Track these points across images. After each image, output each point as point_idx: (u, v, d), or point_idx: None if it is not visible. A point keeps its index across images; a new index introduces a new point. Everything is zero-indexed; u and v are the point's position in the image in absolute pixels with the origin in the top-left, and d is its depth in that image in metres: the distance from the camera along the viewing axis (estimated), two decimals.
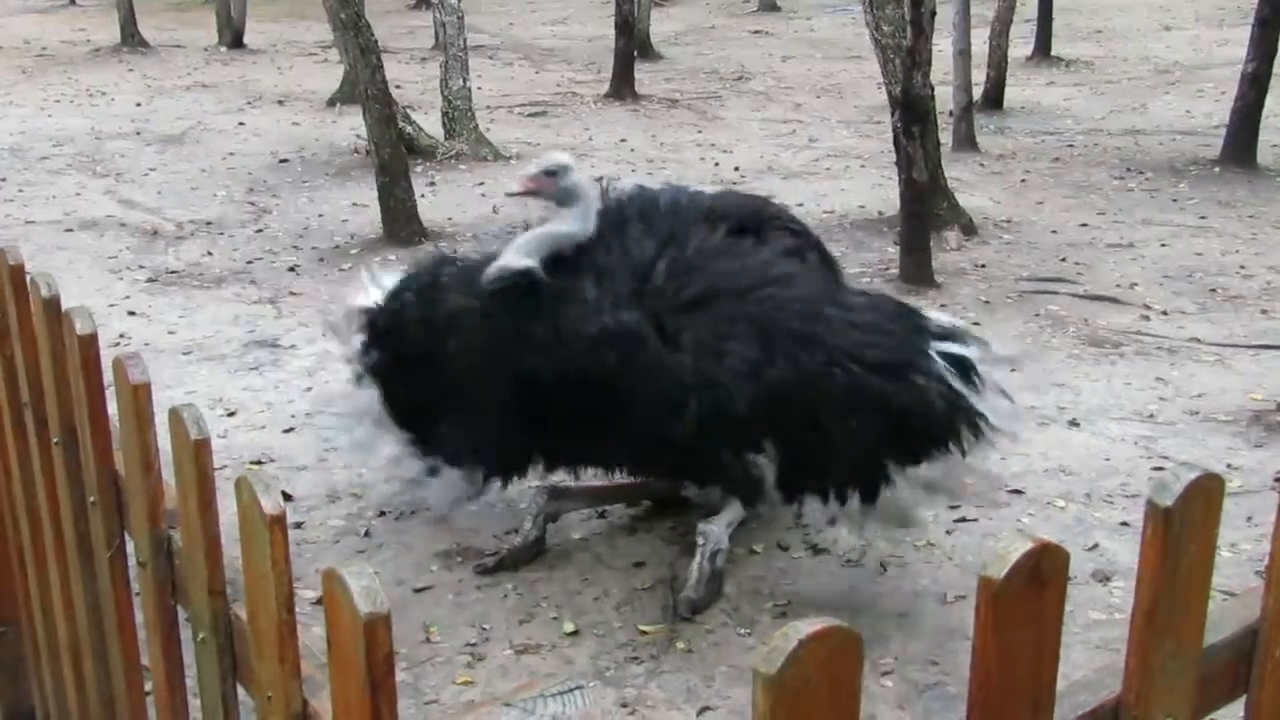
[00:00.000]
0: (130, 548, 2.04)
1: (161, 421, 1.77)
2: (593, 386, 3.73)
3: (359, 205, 9.17)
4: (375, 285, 4.28)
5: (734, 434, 3.74)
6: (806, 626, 1.00)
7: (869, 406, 3.68)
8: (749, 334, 3.71)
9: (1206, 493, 1.28)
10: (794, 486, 3.82)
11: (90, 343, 2.03)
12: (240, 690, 1.70)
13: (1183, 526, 1.26)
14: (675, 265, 3.85)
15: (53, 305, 2.18)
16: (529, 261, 3.82)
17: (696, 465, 3.98)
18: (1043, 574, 1.15)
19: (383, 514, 4.48)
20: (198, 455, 1.65)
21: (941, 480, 3.81)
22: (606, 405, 3.76)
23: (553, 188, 3.91)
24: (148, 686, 2.15)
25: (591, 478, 4.34)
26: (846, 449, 3.70)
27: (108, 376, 1.99)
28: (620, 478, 4.29)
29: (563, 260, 3.87)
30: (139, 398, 1.85)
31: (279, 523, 1.41)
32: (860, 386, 3.67)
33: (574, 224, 3.90)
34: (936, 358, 3.77)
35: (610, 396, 3.74)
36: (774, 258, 4.06)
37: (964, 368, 3.80)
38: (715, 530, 3.92)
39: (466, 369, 3.94)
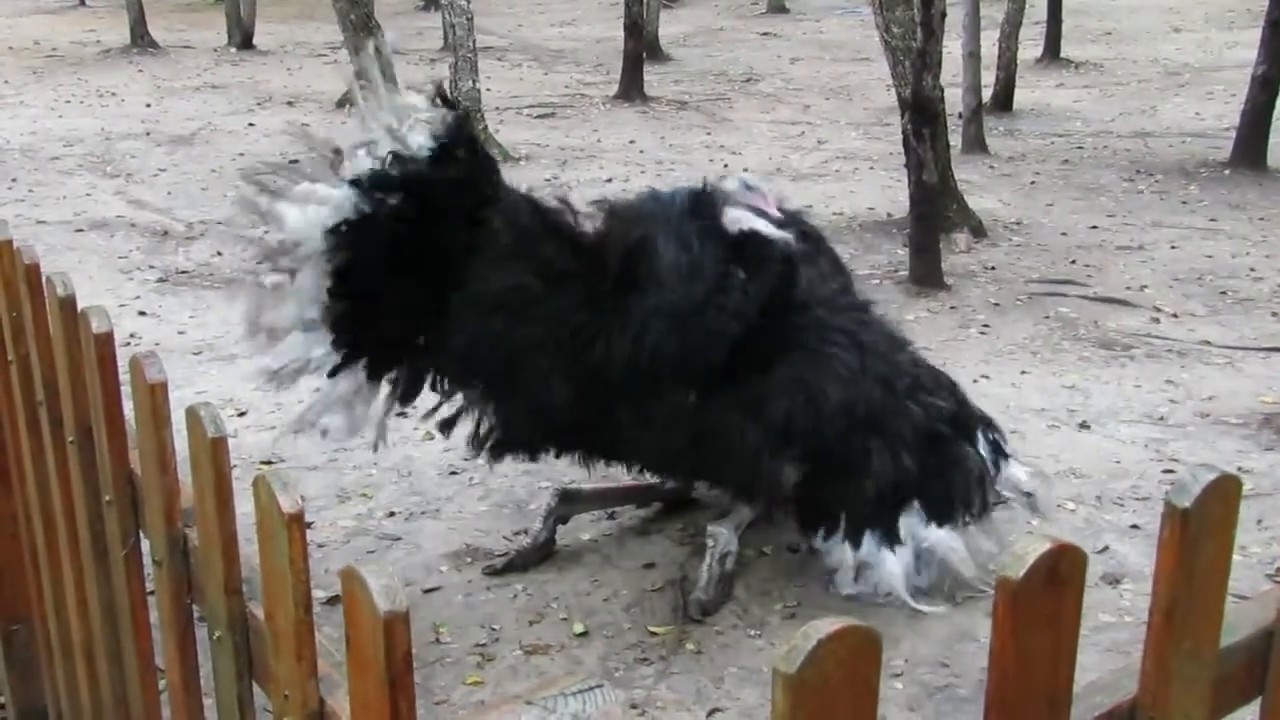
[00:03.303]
0: (145, 546, 2.05)
1: (177, 420, 1.78)
2: (667, 383, 3.70)
3: None
4: (390, 132, 3.67)
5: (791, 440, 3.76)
6: (826, 625, 1.00)
7: (923, 448, 3.76)
8: (849, 345, 3.77)
9: (1224, 494, 1.28)
10: (812, 504, 3.86)
11: (106, 341, 2.03)
12: (256, 689, 1.70)
13: (1200, 527, 1.26)
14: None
15: (69, 304, 2.18)
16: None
17: (726, 464, 3.92)
18: (1061, 575, 1.15)
19: (392, 514, 4.48)
20: (215, 453, 1.65)
21: (953, 555, 3.81)
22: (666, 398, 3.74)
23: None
24: (162, 686, 2.15)
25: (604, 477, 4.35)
26: (883, 478, 3.73)
27: (122, 375, 2.00)
28: (630, 478, 4.29)
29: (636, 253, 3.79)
30: (156, 396, 1.85)
31: (297, 521, 1.41)
32: (926, 427, 3.78)
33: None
34: (981, 431, 3.94)
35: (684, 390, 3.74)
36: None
37: (998, 447, 3.98)
38: (724, 532, 3.92)
39: (511, 354, 3.77)
